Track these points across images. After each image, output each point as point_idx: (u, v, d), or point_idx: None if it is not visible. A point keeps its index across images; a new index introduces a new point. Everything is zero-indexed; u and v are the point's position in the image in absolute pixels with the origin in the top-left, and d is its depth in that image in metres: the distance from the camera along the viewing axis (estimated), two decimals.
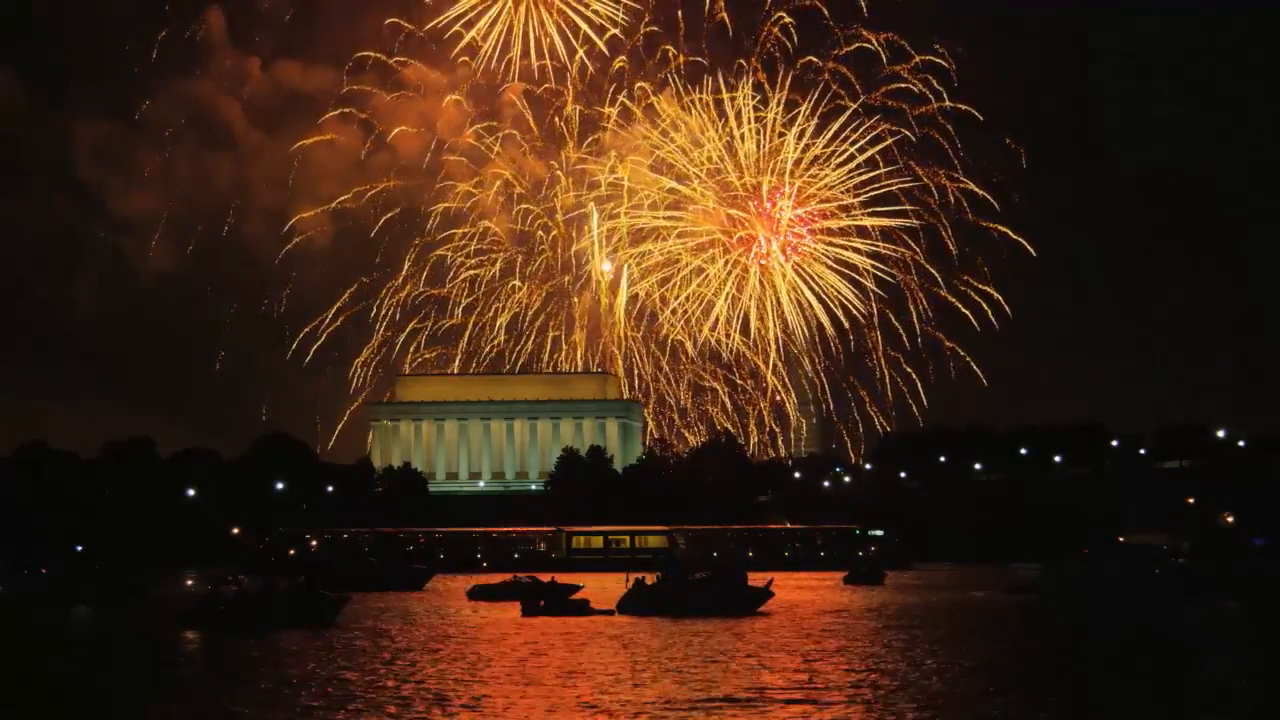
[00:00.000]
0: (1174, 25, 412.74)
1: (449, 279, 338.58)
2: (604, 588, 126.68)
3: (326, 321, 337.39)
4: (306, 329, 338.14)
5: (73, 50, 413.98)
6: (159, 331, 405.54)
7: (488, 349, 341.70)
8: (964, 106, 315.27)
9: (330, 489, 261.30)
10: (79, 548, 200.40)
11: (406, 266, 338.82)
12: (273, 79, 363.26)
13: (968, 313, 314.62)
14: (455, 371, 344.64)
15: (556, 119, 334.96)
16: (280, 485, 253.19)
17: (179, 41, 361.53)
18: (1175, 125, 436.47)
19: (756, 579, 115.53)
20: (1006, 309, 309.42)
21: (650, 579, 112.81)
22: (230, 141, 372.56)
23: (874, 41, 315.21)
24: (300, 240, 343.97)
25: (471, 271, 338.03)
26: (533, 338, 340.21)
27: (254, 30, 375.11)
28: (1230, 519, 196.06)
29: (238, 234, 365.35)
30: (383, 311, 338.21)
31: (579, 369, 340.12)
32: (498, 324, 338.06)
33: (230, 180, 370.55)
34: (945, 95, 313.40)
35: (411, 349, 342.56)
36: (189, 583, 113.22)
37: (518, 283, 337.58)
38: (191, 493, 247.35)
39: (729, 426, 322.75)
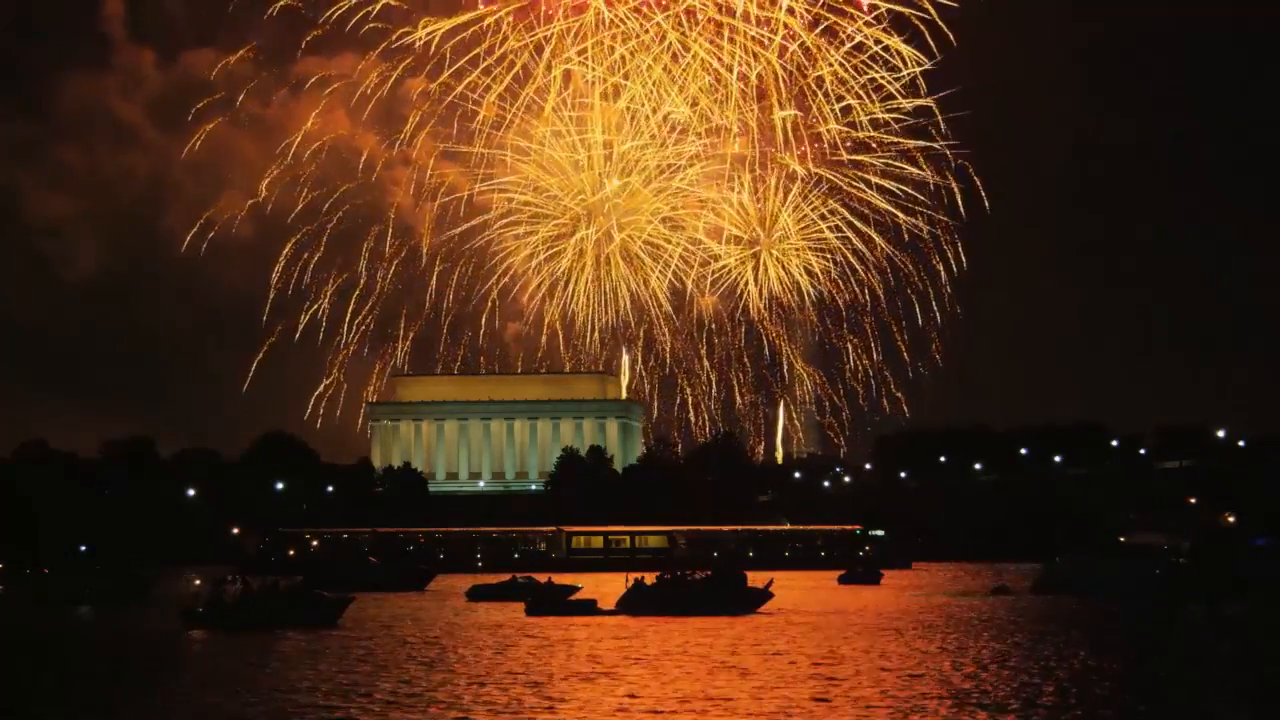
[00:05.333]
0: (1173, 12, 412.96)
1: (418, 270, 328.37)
2: (606, 589, 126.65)
3: (308, 319, 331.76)
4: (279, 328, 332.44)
5: None
6: (104, 333, 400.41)
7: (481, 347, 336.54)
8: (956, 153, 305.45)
9: (330, 489, 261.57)
10: (82, 547, 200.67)
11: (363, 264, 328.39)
12: (174, 71, 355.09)
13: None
14: (455, 371, 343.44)
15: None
16: (280, 485, 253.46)
17: (82, 36, 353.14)
18: (1174, 124, 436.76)
19: (756, 579, 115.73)
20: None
21: (650, 579, 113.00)
22: (136, 139, 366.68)
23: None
24: (220, 235, 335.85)
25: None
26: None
27: (154, 20, 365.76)
28: (1230, 519, 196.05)
29: (160, 232, 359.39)
30: (364, 309, 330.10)
31: (579, 367, 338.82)
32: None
33: (145, 178, 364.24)
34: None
35: (401, 350, 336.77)
36: (197, 582, 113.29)
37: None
38: (191, 493, 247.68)
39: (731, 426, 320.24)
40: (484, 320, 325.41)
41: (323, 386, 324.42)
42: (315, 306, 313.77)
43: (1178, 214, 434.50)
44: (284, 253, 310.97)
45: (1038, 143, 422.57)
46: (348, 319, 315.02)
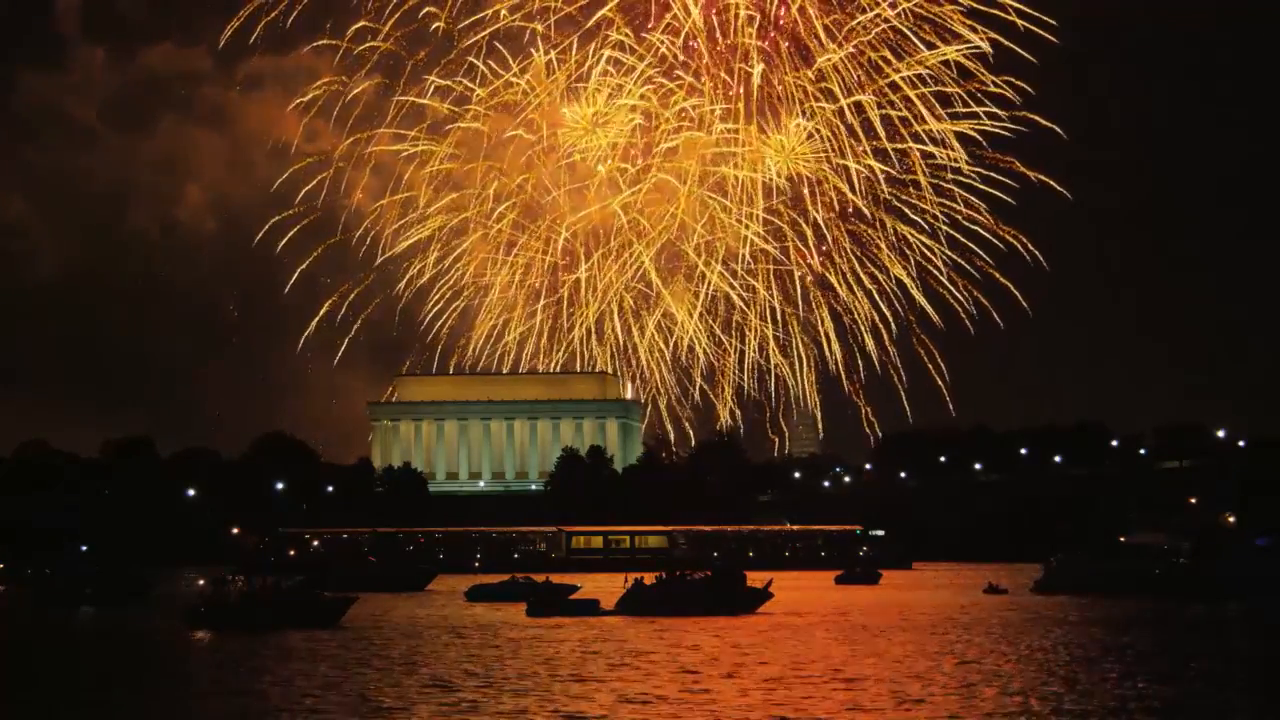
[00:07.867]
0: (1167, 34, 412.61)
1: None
2: (605, 589, 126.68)
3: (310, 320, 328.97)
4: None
5: None
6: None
7: (482, 348, 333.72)
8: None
9: (330, 489, 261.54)
10: (83, 547, 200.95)
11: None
12: (129, 69, 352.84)
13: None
14: (455, 371, 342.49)
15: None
16: (280, 485, 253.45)
17: (36, 34, 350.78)
18: (1174, 124, 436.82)
19: (756, 579, 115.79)
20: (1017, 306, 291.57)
21: (649, 579, 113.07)
22: (94, 137, 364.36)
23: None
24: (184, 235, 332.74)
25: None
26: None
27: (108, 17, 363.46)
28: (1230, 519, 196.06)
29: (123, 232, 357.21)
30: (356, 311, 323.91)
31: (579, 367, 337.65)
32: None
33: (105, 177, 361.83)
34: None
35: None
36: (200, 582, 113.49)
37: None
38: (191, 493, 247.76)
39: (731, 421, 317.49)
40: (449, 326, 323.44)
41: (304, 393, 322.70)
42: (289, 317, 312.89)
43: (1178, 213, 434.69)
44: (250, 255, 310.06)
45: (1038, 140, 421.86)
46: (314, 321, 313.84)
